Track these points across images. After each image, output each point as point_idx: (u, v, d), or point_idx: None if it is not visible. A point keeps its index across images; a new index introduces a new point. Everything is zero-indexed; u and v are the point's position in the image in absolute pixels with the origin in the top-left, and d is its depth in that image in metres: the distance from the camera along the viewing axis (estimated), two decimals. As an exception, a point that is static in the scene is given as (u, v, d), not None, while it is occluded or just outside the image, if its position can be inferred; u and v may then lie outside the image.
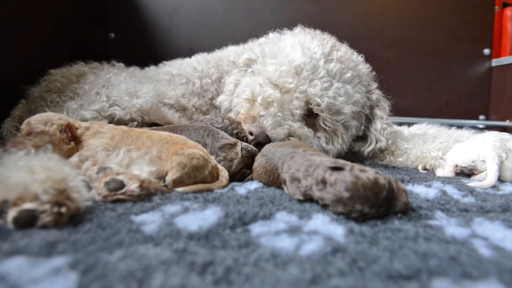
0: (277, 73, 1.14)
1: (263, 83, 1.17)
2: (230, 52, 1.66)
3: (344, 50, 1.21)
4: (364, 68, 1.26)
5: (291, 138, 1.09)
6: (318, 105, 1.10)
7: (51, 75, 1.23)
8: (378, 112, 1.26)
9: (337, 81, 1.13)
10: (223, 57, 1.66)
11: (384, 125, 1.25)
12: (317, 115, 1.15)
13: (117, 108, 1.11)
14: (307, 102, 1.13)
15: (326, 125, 1.14)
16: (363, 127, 1.26)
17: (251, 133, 1.07)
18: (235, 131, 1.09)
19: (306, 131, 1.12)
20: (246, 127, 1.10)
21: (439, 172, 1.11)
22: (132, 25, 2.22)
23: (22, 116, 1.13)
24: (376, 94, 1.28)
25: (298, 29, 1.31)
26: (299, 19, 2.18)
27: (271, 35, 1.33)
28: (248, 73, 1.30)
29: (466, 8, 2.26)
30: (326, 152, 1.15)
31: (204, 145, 0.95)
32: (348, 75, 1.14)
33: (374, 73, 1.33)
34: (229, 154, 0.95)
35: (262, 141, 1.04)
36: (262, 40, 1.36)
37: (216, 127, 1.06)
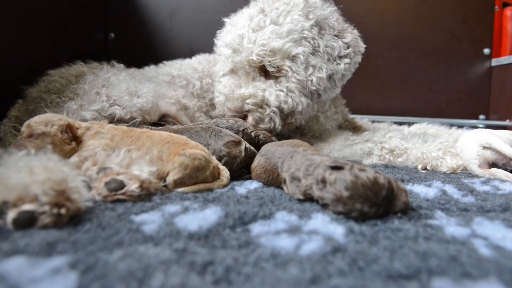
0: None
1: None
2: None
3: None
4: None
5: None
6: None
7: (49, 75, 1.23)
8: None
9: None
10: None
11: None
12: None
13: (117, 107, 1.11)
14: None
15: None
16: None
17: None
18: (241, 128, 1.09)
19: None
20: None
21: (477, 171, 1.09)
22: (132, 25, 2.22)
23: (19, 116, 1.13)
24: None
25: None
26: (299, 19, 2.20)
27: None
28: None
29: (466, 8, 2.25)
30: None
31: (207, 145, 0.95)
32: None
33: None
34: (233, 151, 0.94)
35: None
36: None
37: (221, 127, 1.07)
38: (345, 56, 1.29)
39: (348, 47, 1.29)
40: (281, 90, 1.23)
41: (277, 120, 1.24)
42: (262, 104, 1.23)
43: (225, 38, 1.31)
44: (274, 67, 1.21)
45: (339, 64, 1.28)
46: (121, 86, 1.16)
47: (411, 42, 2.29)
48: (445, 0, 2.28)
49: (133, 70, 1.53)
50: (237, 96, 1.24)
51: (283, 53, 1.20)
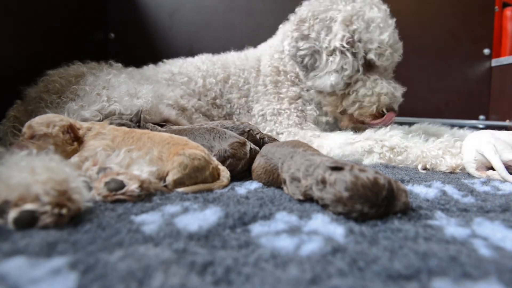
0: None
1: None
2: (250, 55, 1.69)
3: None
4: None
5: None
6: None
7: (48, 75, 1.23)
8: None
9: None
10: (227, 59, 1.67)
11: None
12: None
13: (117, 104, 1.12)
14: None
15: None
16: None
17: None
18: (246, 129, 1.09)
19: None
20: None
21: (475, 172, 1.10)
22: (132, 25, 2.22)
23: (18, 116, 1.13)
24: None
25: None
26: (299, 19, 2.20)
27: None
28: None
29: (466, 8, 2.25)
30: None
31: (211, 148, 0.94)
32: None
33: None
34: (239, 152, 0.94)
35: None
36: None
37: (226, 127, 1.07)
38: None
39: None
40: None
41: None
42: None
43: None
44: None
45: None
46: (122, 87, 1.17)
47: (411, 42, 2.28)
48: (445, 0, 2.28)
49: (131, 69, 1.53)
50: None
51: None
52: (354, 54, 1.36)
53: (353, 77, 1.39)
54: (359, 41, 1.35)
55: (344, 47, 1.34)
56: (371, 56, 1.36)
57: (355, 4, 1.39)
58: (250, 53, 1.69)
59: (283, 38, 1.51)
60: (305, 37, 1.39)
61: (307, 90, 1.51)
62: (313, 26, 1.38)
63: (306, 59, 1.40)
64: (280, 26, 1.60)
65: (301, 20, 1.41)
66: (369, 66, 1.41)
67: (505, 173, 0.99)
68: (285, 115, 1.49)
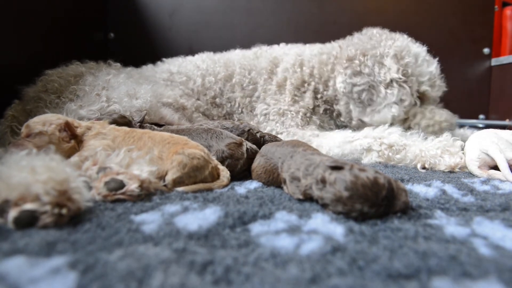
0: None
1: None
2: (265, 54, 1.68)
3: None
4: None
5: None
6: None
7: (47, 75, 1.23)
8: None
9: None
10: (233, 58, 1.66)
11: None
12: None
13: (116, 105, 1.12)
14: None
15: None
16: None
17: None
18: (246, 129, 1.10)
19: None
20: None
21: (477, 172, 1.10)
22: (131, 25, 2.22)
23: (16, 116, 1.13)
24: None
25: None
26: (299, 19, 2.21)
27: None
28: None
29: (466, 8, 2.25)
30: None
31: (209, 147, 0.95)
32: None
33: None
34: (236, 153, 0.94)
35: None
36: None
37: (225, 127, 1.07)
38: None
39: None
40: None
41: None
42: None
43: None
44: None
45: None
46: (121, 88, 1.17)
47: (411, 41, 2.30)
48: (445, 0, 2.28)
49: (130, 69, 1.53)
50: None
51: None
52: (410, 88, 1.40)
53: (411, 111, 1.42)
54: (412, 75, 1.39)
55: (400, 78, 1.36)
56: (425, 87, 1.40)
57: (398, 42, 1.43)
58: (262, 53, 1.67)
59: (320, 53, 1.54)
60: (358, 73, 1.39)
61: (326, 104, 1.53)
62: (365, 63, 1.39)
63: (364, 94, 1.39)
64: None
65: (350, 58, 1.41)
66: (421, 99, 1.44)
67: (507, 172, 1.00)
68: (289, 116, 1.49)
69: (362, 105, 1.42)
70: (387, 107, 1.37)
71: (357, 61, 1.40)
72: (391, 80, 1.37)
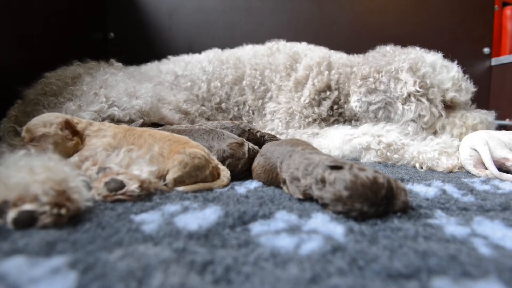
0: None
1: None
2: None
3: None
4: None
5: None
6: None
7: (46, 78, 1.23)
8: None
9: None
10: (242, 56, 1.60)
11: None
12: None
13: (116, 109, 1.11)
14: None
15: None
16: None
17: None
18: (246, 129, 1.10)
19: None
20: None
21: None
22: (131, 25, 2.22)
23: (19, 116, 1.13)
24: None
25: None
26: (299, 19, 2.21)
27: None
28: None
29: (466, 7, 2.25)
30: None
31: (210, 147, 0.95)
32: None
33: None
34: (237, 153, 0.94)
35: None
36: None
37: (225, 127, 1.07)
38: None
39: None
40: None
41: None
42: None
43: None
44: None
45: None
46: (120, 87, 1.16)
47: (411, 41, 2.28)
48: (445, 0, 2.28)
49: (133, 69, 1.52)
50: None
51: None
52: (430, 101, 1.34)
53: (437, 124, 1.35)
54: (432, 86, 1.33)
55: (418, 91, 1.31)
56: (452, 94, 1.34)
57: (412, 54, 1.39)
58: (280, 47, 1.60)
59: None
60: (373, 91, 1.35)
61: (340, 116, 1.50)
62: (380, 79, 1.35)
63: (380, 112, 1.36)
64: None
65: (364, 77, 1.37)
66: (450, 107, 1.37)
67: (490, 163, 1.02)
68: (297, 118, 1.46)
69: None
70: (404, 125, 1.33)
71: (371, 79, 1.35)
72: (409, 95, 1.32)
